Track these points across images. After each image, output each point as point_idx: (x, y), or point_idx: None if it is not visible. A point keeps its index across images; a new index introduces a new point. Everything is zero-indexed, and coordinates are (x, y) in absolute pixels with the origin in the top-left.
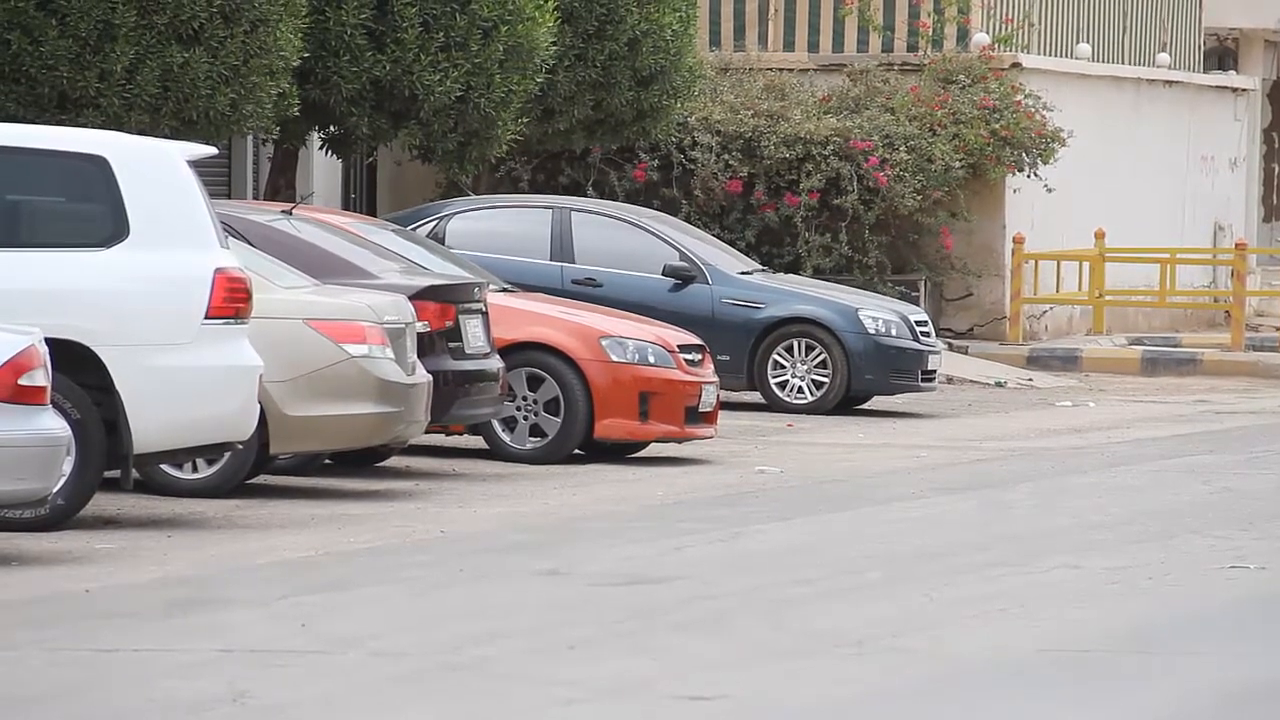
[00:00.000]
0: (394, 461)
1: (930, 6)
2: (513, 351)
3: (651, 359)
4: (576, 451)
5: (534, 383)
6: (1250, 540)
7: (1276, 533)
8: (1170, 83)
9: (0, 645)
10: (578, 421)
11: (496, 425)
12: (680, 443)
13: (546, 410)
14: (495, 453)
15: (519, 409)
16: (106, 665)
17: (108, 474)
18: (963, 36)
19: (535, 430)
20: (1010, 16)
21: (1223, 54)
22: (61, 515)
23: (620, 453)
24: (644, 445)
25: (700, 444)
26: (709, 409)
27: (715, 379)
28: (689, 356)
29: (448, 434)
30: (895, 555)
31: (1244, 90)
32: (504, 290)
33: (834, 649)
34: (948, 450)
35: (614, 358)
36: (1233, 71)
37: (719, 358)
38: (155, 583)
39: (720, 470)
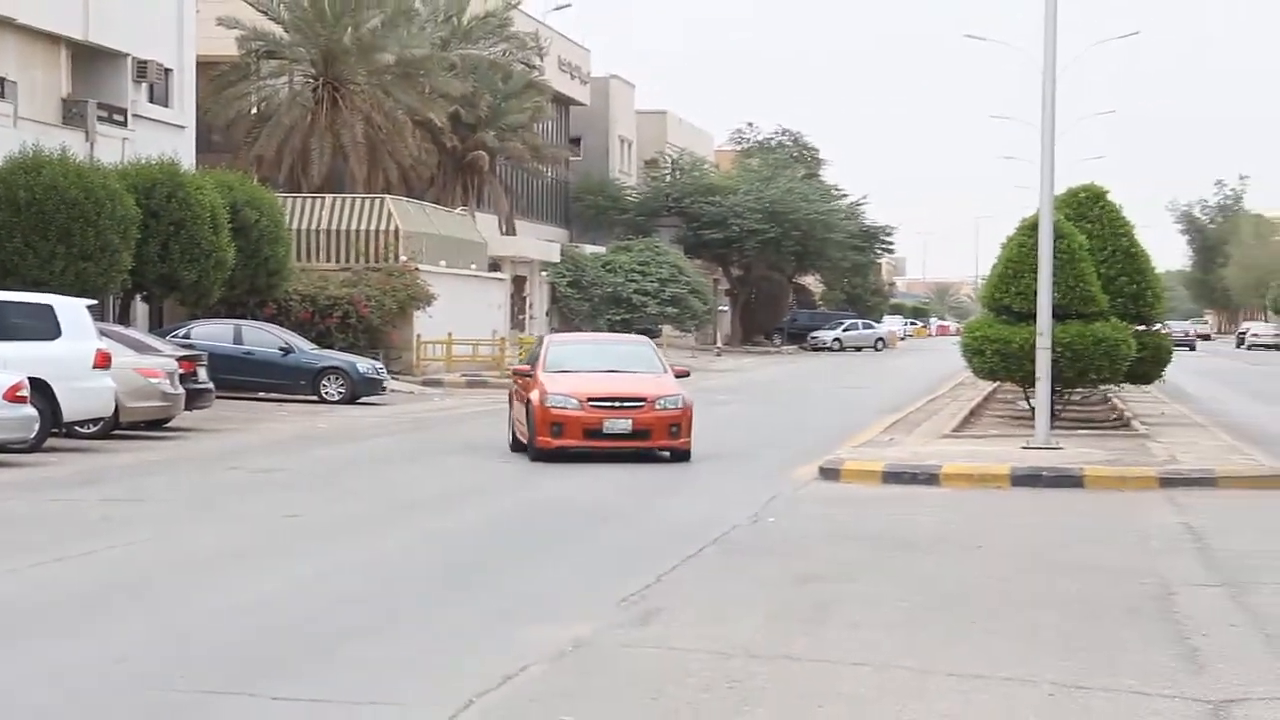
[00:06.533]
0: (174, 424)
1: (384, 246)
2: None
3: (564, 404)
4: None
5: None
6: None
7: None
8: (486, 278)
9: (4, 499)
10: (532, 436)
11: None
12: (582, 450)
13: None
14: None
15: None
16: (52, 508)
17: (52, 431)
18: (397, 257)
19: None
20: (414, 249)
21: (495, 264)
22: (33, 447)
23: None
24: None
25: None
26: (617, 431)
27: (630, 417)
28: (600, 403)
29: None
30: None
31: (504, 279)
32: (561, 372)
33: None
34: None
35: (546, 404)
36: (499, 271)
37: (299, 383)
38: (73, 473)
39: (310, 424)
